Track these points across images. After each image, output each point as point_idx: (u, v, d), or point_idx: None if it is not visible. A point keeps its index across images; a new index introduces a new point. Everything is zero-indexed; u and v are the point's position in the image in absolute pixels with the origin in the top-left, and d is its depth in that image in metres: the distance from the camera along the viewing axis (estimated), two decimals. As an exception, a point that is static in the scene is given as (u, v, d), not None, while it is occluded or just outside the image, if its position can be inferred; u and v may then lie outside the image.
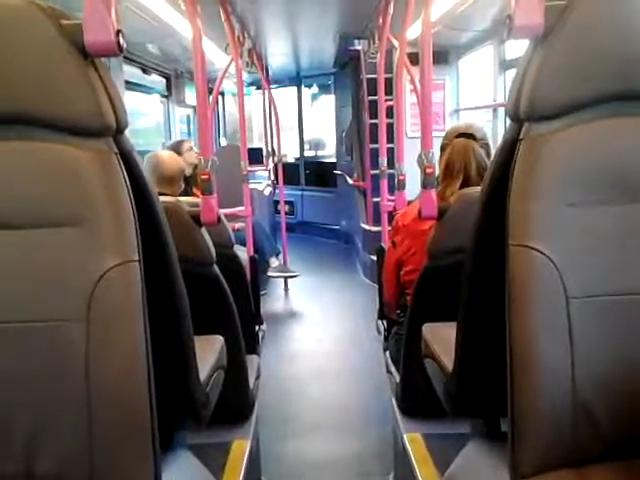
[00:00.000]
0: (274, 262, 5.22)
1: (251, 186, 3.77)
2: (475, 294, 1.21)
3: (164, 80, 5.52)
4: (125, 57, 3.90)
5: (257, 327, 2.66)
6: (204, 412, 1.33)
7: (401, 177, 2.89)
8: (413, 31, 3.32)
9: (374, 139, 4.88)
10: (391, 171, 3.47)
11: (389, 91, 4.02)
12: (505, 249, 1.00)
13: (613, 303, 0.99)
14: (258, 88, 7.80)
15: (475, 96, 5.20)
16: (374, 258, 4.30)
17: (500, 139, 1.12)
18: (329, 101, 8.39)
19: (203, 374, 1.31)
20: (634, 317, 1.00)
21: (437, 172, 2.00)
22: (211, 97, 3.98)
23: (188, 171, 3.64)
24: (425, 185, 1.86)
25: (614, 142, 1.01)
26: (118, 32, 0.96)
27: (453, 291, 1.28)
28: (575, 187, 0.98)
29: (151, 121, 5.77)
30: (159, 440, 1.02)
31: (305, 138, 8.68)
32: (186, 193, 3.13)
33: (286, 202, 6.57)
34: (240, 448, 1.95)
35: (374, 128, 4.82)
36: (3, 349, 0.99)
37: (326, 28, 4.82)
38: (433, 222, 1.84)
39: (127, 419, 0.98)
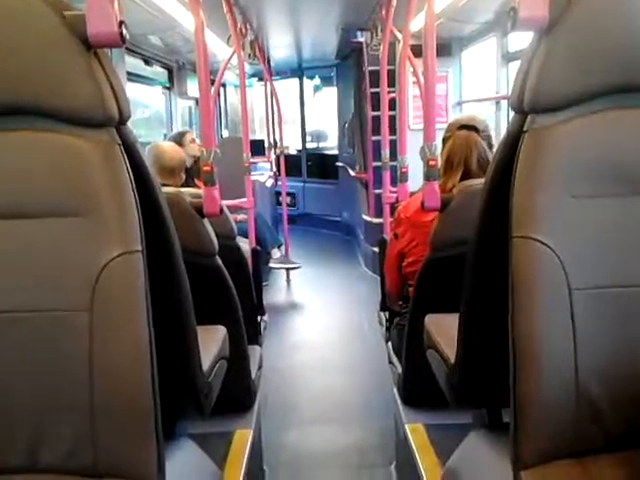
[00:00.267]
0: (276, 253, 5.23)
1: (253, 178, 3.77)
2: (478, 285, 1.22)
3: (166, 72, 5.51)
4: (127, 48, 3.88)
5: (259, 318, 2.67)
6: (207, 402, 1.34)
7: (403, 169, 2.89)
8: (416, 23, 3.30)
9: (376, 131, 4.88)
10: (393, 163, 3.47)
11: (391, 83, 4.00)
12: (508, 241, 1.00)
13: (616, 295, 1.00)
14: (260, 80, 7.78)
15: (478, 88, 5.18)
16: (376, 250, 4.31)
17: (503, 131, 1.12)
18: (331, 93, 8.36)
19: (206, 364, 1.32)
20: (637, 308, 1.01)
21: (439, 164, 2.00)
22: (213, 89, 3.97)
23: (189, 162, 3.64)
24: (428, 177, 1.86)
25: (617, 134, 1.01)
26: (121, 23, 0.96)
27: (455, 282, 1.28)
28: (579, 179, 0.99)
29: (150, 112, 5.76)
30: (162, 429, 1.02)
31: (307, 130, 8.65)
32: (187, 185, 3.13)
33: (288, 194, 6.57)
34: (242, 438, 1.97)
35: (376, 120, 4.82)
36: (6, 338, 1.00)
37: (329, 20, 4.80)
38: (435, 214, 1.85)
39: (130, 408, 0.99)
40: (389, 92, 3.76)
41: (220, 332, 1.54)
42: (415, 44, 3.00)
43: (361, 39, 5.50)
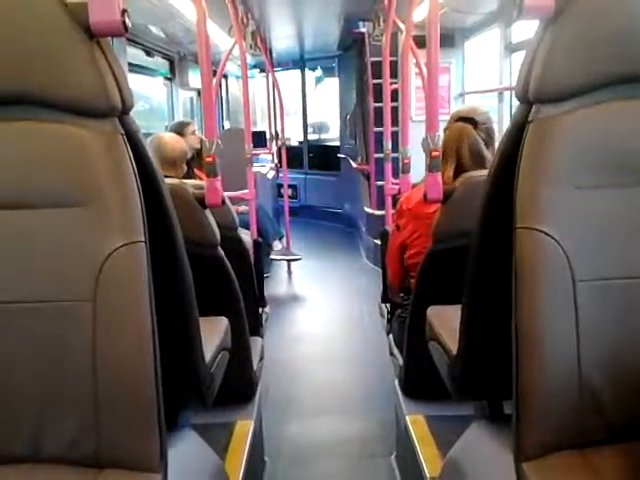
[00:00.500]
0: (277, 245, 5.23)
1: (254, 169, 3.76)
2: (481, 277, 1.21)
3: (167, 62, 5.49)
4: (128, 39, 3.87)
5: (261, 309, 2.67)
6: (209, 392, 1.34)
7: (406, 160, 2.88)
8: (419, 13, 3.28)
9: (378, 122, 4.87)
10: (395, 155, 3.46)
11: (394, 74, 3.99)
12: (512, 232, 1.00)
13: (620, 286, 0.99)
14: (262, 71, 7.76)
15: (481, 79, 5.16)
16: (377, 242, 4.32)
17: (505, 123, 1.12)
18: (333, 84, 8.34)
19: (208, 355, 1.32)
20: None
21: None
22: (215, 80, 3.95)
23: (189, 154, 3.62)
24: (431, 168, 1.85)
25: (621, 125, 1.00)
26: (123, 12, 0.96)
27: (457, 274, 1.28)
28: (583, 170, 0.98)
29: (150, 103, 5.74)
30: (165, 420, 1.02)
31: (309, 121, 8.63)
32: (188, 177, 3.12)
33: (289, 186, 6.56)
34: (243, 429, 1.97)
35: (378, 111, 4.80)
36: (10, 329, 1.00)
37: (330, 10, 4.78)
38: (438, 205, 1.84)
39: (133, 398, 0.99)
40: (391, 83, 3.74)
41: (222, 323, 1.54)
42: (418, 34, 2.98)
43: (363, 29, 5.48)
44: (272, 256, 5.23)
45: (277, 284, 5.31)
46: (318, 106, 8.73)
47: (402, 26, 3.46)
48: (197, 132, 3.93)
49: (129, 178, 0.99)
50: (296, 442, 2.63)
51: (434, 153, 1.88)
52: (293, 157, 7.63)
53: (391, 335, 2.42)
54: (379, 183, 5.15)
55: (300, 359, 3.63)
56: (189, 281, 1.20)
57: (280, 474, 2.38)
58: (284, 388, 3.15)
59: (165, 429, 1.02)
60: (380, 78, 4.03)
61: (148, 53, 4.79)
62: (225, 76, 7.18)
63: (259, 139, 6.02)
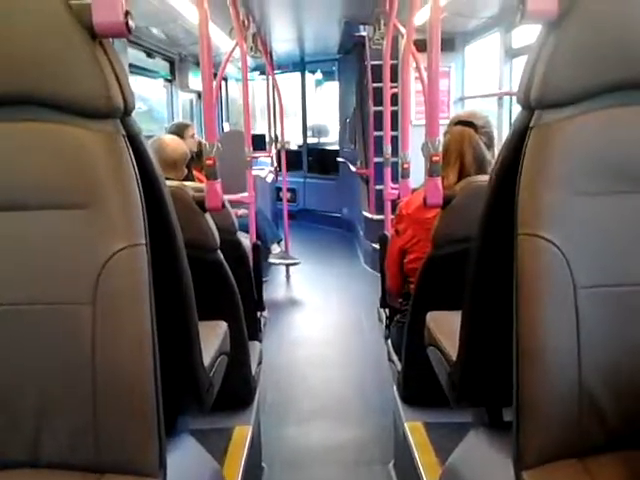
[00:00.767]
0: (275, 249, 5.21)
1: (253, 173, 3.75)
2: (481, 282, 1.21)
3: (168, 64, 5.49)
4: (129, 40, 3.86)
5: (259, 313, 2.66)
6: (208, 397, 1.33)
7: (405, 165, 2.87)
8: (419, 17, 3.28)
9: (378, 126, 4.86)
10: (395, 159, 3.46)
11: (394, 78, 3.99)
12: (513, 238, 0.99)
13: (621, 293, 0.99)
14: (262, 73, 7.75)
15: (480, 84, 5.16)
16: (376, 246, 4.30)
17: (505, 128, 1.11)
18: (333, 87, 8.34)
19: (207, 359, 1.31)
20: None
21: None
22: (215, 82, 3.95)
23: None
24: (431, 173, 1.85)
25: (622, 132, 1.00)
26: (127, 13, 0.95)
27: (457, 280, 1.27)
28: (585, 176, 0.98)
29: (148, 105, 5.74)
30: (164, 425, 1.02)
31: (308, 125, 8.63)
32: (187, 179, 3.12)
33: (288, 189, 6.54)
34: (241, 434, 1.96)
35: (378, 115, 4.80)
36: (9, 331, 0.99)
37: (331, 13, 4.78)
38: (437, 210, 1.84)
39: (133, 401, 0.98)
40: (391, 87, 3.74)
41: (221, 327, 1.53)
42: (418, 38, 2.98)
43: (364, 33, 5.48)
44: (271, 260, 5.21)
45: (276, 288, 5.30)
46: (318, 109, 8.73)
47: (403, 30, 3.46)
48: (196, 135, 3.93)
49: (130, 180, 0.98)
50: (294, 448, 2.62)
51: (434, 158, 1.88)
52: (292, 160, 7.62)
53: (390, 340, 2.41)
54: (378, 187, 5.14)
55: (298, 364, 3.62)
56: (189, 284, 1.19)
57: None
58: (282, 393, 3.14)
59: (164, 434, 1.01)
60: (380, 82, 4.03)
61: (149, 54, 4.79)
62: (225, 79, 7.19)
63: (258, 142, 6.01)
